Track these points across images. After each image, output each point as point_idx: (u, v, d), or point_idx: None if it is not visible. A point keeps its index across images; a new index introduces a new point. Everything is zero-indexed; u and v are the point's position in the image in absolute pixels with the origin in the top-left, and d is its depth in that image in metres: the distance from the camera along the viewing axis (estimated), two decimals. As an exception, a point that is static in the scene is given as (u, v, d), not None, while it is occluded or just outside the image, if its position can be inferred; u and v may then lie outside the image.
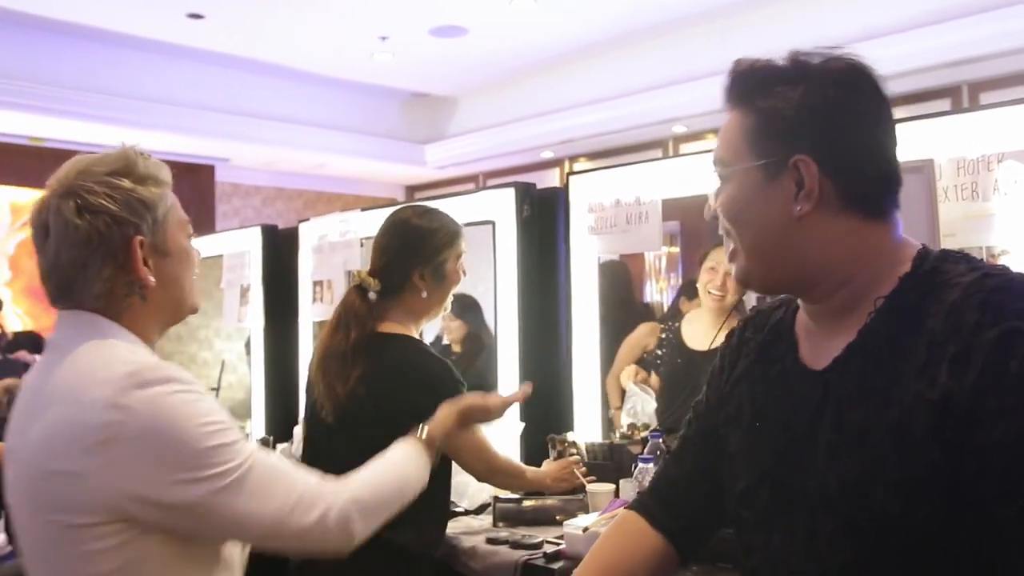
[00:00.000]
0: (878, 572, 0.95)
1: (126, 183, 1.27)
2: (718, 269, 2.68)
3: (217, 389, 4.26)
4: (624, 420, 2.80)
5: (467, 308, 3.46)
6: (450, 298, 2.19)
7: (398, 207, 2.31)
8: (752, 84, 1.08)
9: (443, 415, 1.65)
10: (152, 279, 1.29)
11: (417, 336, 2.16)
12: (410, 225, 2.15)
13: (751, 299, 2.34)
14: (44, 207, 1.26)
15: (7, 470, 1.27)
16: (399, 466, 1.49)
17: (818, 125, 1.04)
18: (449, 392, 1.92)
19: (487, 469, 2.20)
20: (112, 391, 1.16)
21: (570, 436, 2.64)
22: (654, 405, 2.79)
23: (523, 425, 2.63)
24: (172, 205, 1.34)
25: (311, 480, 1.29)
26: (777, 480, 1.06)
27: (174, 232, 1.34)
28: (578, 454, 2.53)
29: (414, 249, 2.11)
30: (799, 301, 1.15)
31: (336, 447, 2.03)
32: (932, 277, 0.99)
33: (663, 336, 2.89)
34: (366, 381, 2.00)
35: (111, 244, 1.25)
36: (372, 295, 2.09)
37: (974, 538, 0.90)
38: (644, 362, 2.94)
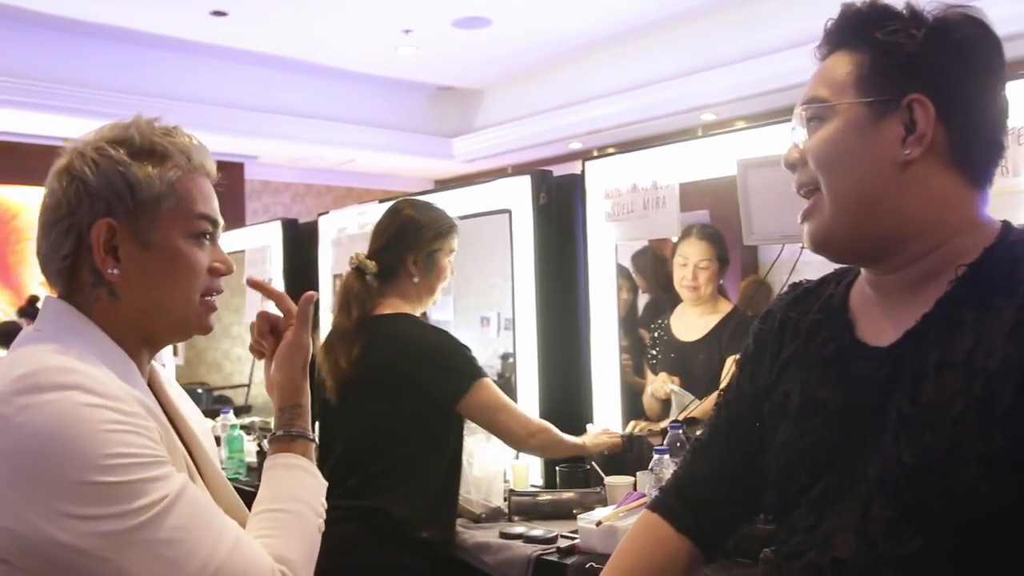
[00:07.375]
0: (943, 560, 0.88)
1: (118, 154, 1.07)
2: (688, 263, 2.70)
3: (248, 385, 4.29)
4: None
5: None
6: (440, 291, 2.29)
7: (398, 199, 2.43)
8: (868, 21, 1.00)
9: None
10: (115, 271, 1.07)
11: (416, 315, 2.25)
12: (407, 214, 2.27)
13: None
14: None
15: None
16: (303, 504, 1.16)
17: (944, 66, 0.96)
18: (457, 361, 2.10)
19: (524, 429, 2.17)
20: None
21: (590, 427, 2.58)
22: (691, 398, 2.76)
23: None
24: (175, 194, 1.09)
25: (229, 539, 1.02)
26: (836, 466, 0.98)
27: (167, 226, 1.09)
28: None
29: (410, 235, 2.22)
30: (863, 273, 1.06)
31: (337, 423, 2.17)
32: (1018, 248, 0.94)
33: (655, 335, 2.88)
34: (367, 355, 2.12)
35: (77, 216, 1.06)
36: (369, 277, 2.20)
37: None
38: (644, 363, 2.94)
